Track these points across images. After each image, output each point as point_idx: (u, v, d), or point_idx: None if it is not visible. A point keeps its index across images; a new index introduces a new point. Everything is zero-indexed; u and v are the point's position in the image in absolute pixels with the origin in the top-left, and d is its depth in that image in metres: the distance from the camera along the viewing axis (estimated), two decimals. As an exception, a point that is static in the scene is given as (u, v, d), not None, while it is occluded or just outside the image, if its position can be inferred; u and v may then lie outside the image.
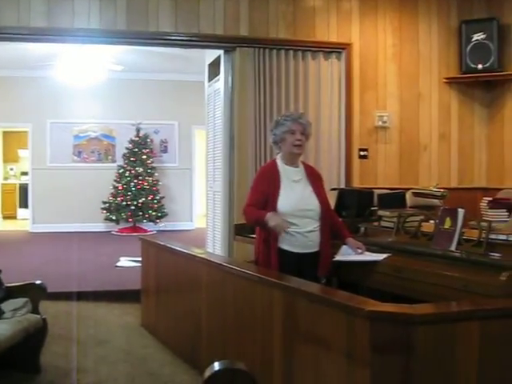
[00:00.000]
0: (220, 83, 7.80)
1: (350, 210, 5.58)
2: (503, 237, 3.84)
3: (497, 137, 7.97)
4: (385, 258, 4.28)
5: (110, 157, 14.09)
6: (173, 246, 5.44)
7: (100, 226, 13.56)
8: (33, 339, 4.64)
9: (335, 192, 5.94)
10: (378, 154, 7.86)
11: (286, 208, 4.31)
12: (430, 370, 2.79)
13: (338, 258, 4.48)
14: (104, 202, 13.27)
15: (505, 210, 7.13)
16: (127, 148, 13.56)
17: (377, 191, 6.18)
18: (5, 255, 9.48)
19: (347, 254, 4.51)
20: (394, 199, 5.76)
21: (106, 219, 13.34)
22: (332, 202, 5.33)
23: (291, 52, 7.50)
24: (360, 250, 4.48)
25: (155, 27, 7.18)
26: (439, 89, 7.99)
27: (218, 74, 7.87)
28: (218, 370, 2.10)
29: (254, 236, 4.76)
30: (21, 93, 13.29)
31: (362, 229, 5.11)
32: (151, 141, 13.94)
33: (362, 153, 7.79)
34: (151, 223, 13.41)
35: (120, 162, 13.67)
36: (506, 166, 7.78)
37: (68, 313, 6.36)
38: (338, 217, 4.94)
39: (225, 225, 7.65)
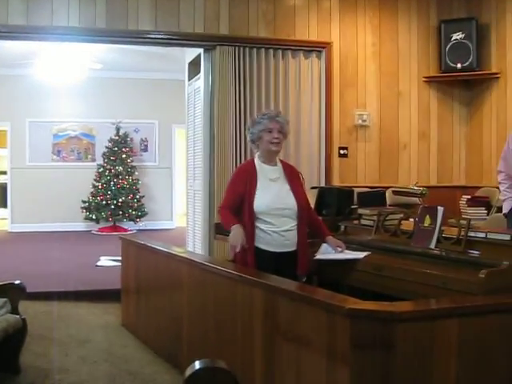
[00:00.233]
0: (200, 82, 7.79)
1: (330, 209, 5.59)
2: (482, 234, 3.87)
3: (476, 135, 8.04)
4: (365, 256, 4.29)
5: (89, 156, 14.02)
6: (153, 245, 5.42)
7: (80, 226, 13.48)
8: (12, 340, 4.60)
9: (315, 190, 5.96)
10: (358, 152, 7.89)
11: (262, 207, 4.30)
12: (410, 367, 2.80)
13: (318, 256, 4.49)
14: (84, 202, 13.20)
15: (483, 208, 7.23)
16: (107, 147, 13.49)
17: (357, 189, 6.21)
18: (-17, 255, 9.41)
19: (327, 252, 4.51)
20: (374, 197, 5.79)
21: (85, 218, 13.27)
22: (312, 201, 5.34)
23: (271, 51, 7.51)
24: (340, 249, 4.48)
25: (135, 25, 7.16)
26: (419, 88, 8.04)
27: (198, 72, 7.87)
28: (199, 369, 2.10)
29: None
30: (-1, 91, 13.21)
31: (342, 227, 5.13)
32: (131, 140, 13.89)
33: (341, 151, 7.82)
34: (131, 222, 13.36)
35: (100, 161, 13.60)
36: (485, 165, 7.84)
37: (48, 313, 6.33)
38: (318, 215, 4.95)
39: (205, 224, 7.64)
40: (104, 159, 13.45)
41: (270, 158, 4.47)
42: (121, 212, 13.15)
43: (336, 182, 7.68)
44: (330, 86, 7.72)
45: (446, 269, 3.69)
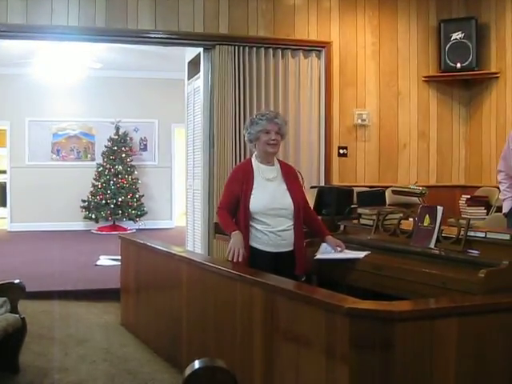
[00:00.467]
0: (200, 81, 7.79)
1: (329, 208, 5.59)
2: (481, 234, 3.87)
3: (475, 135, 8.04)
4: (365, 256, 4.29)
5: (89, 155, 14.02)
6: (152, 245, 5.42)
7: (79, 225, 13.47)
8: (12, 339, 4.59)
9: (315, 190, 5.96)
10: (358, 152, 7.89)
11: (258, 207, 4.30)
12: (409, 366, 2.80)
13: (318, 256, 4.49)
14: (83, 201, 13.20)
15: (483, 208, 7.23)
16: (106, 146, 13.49)
17: (356, 189, 6.21)
18: (-17, 254, 9.41)
19: (327, 252, 4.50)
20: (374, 197, 5.79)
21: (85, 218, 13.26)
22: (311, 200, 5.34)
23: (271, 50, 7.52)
24: (340, 248, 4.48)
25: (134, 25, 7.16)
26: (418, 87, 8.04)
27: (198, 71, 7.87)
28: (199, 368, 2.10)
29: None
30: (-2, 90, 13.20)
31: (342, 227, 5.12)
32: (131, 139, 13.89)
33: (341, 151, 7.82)
34: (131, 222, 13.36)
35: (99, 160, 13.59)
36: (485, 164, 7.84)
37: (47, 312, 6.32)
38: (318, 215, 4.95)
39: (204, 223, 7.64)
40: (103, 158, 13.44)
41: (267, 159, 4.46)
42: (120, 211, 13.14)
43: (335, 182, 7.69)
44: (329, 85, 7.72)
45: (445, 268, 3.69)
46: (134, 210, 13.26)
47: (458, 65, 7.81)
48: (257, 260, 4.28)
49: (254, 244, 4.33)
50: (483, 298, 3.21)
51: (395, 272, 3.94)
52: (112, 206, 13.05)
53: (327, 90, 7.71)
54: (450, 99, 8.15)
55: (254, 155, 4.53)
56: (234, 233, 4.26)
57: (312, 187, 6.23)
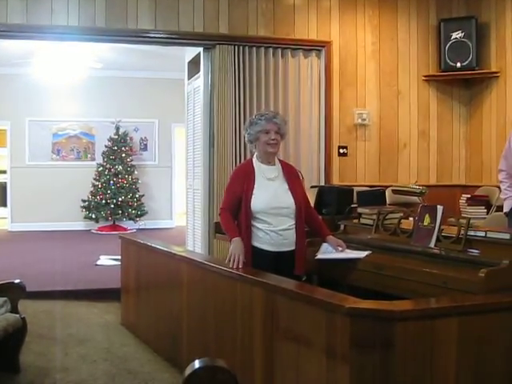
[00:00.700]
0: (200, 81, 7.79)
1: (329, 208, 5.59)
2: (482, 233, 3.86)
3: (475, 134, 8.04)
4: (365, 256, 4.28)
5: (89, 155, 14.01)
6: (153, 245, 5.42)
7: (79, 225, 13.47)
8: (12, 339, 4.60)
9: (315, 189, 5.96)
10: (358, 151, 7.89)
11: (260, 206, 4.30)
12: (410, 366, 2.80)
13: (318, 256, 4.48)
14: (83, 201, 13.20)
15: (483, 207, 7.23)
16: (106, 146, 13.48)
17: (356, 188, 6.22)
18: (-17, 254, 9.40)
19: (328, 252, 4.49)
20: (374, 196, 5.78)
21: (85, 218, 13.26)
22: (312, 200, 5.34)
23: (271, 50, 7.51)
24: (341, 248, 4.48)
25: (134, 25, 7.16)
26: (418, 87, 8.04)
27: (198, 71, 7.86)
28: (199, 368, 2.10)
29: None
30: (-2, 90, 13.20)
31: (342, 226, 5.12)
32: (131, 139, 13.89)
33: (341, 150, 7.82)
34: (131, 221, 13.36)
35: (99, 160, 13.58)
36: (485, 164, 7.84)
37: (47, 312, 6.32)
38: (318, 214, 4.94)
39: (205, 223, 7.64)
40: (104, 158, 13.43)
41: (267, 159, 4.46)
42: (120, 211, 13.14)
43: (336, 181, 7.68)
44: (329, 84, 7.72)
45: (445, 268, 3.69)
46: (134, 209, 13.26)
47: (458, 64, 7.81)
48: (258, 259, 4.28)
49: (256, 243, 4.32)
50: (483, 297, 3.21)
51: (396, 271, 3.94)
52: (112, 205, 13.04)
53: (327, 89, 7.71)
54: (450, 98, 8.15)
55: (254, 156, 4.53)
56: (234, 239, 4.25)
57: (312, 187, 6.24)
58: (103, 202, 13.07)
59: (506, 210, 5.30)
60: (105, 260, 8.88)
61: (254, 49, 7.45)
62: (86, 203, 13.20)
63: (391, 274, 3.96)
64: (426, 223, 4.13)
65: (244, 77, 7.41)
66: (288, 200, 4.38)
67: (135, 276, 5.92)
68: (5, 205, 14.41)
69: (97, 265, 8.73)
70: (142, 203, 13.45)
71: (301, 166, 7.23)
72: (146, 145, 14.27)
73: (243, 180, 4.39)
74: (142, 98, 13.81)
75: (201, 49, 7.65)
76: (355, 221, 5.12)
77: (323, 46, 7.70)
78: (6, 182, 14.20)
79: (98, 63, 11.60)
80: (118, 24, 7.12)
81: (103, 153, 13.48)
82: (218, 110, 7.35)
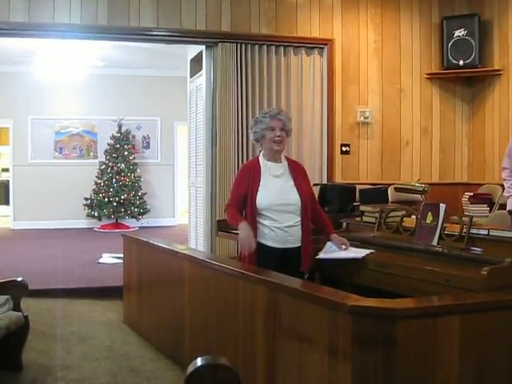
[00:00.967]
0: (202, 79, 7.78)
1: (332, 206, 5.60)
2: (484, 231, 3.86)
3: (478, 132, 8.02)
4: (367, 255, 4.28)
5: (91, 153, 14.01)
6: (155, 243, 5.42)
7: (82, 223, 13.48)
8: (14, 337, 4.60)
9: (317, 187, 5.96)
10: (360, 149, 7.88)
11: (265, 203, 4.32)
12: (412, 363, 2.80)
13: (320, 255, 4.47)
14: (86, 199, 13.21)
15: (486, 205, 7.22)
16: (109, 144, 13.47)
17: (359, 186, 6.22)
18: (-14, 252, 9.41)
19: (331, 250, 4.49)
20: (376, 194, 5.79)
21: (87, 216, 13.27)
22: (314, 198, 5.33)
23: (273, 48, 7.50)
24: (344, 246, 4.48)
25: (137, 23, 7.15)
26: (421, 84, 8.03)
27: (200, 69, 7.86)
28: (201, 366, 2.10)
29: (236, 232, 4.75)
30: (1, 89, 13.17)
31: (344, 224, 5.12)
32: (133, 137, 13.89)
33: (344, 148, 7.82)
34: (133, 219, 13.37)
35: (102, 158, 13.58)
36: (487, 162, 7.83)
37: (50, 310, 6.33)
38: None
39: (207, 221, 7.64)
40: (106, 156, 13.43)
41: (274, 156, 4.48)
42: (123, 209, 13.14)
43: (338, 179, 7.68)
44: (332, 82, 7.71)
45: (448, 266, 3.69)
46: (137, 207, 13.26)
47: (461, 62, 7.79)
48: (264, 256, 4.29)
49: (262, 240, 4.34)
50: (486, 295, 3.21)
51: (398, 269, 3.94)
52: (115, 203, 13.05)
53: (330, 87, 7.70)
54: (453, 96, 8.14)
55: (261, 154, 4.55)
56: (240, 224, 4.27)
57: (315, 185, 6.23)
58: (106, 200, 13.07)
59: (509, 207, 5.30)
60: (107, 258, 8.89)
61: (257, 47, 7.44)
62: (89, 201, 13.21)
63: (393, 272, 3.97)
64: (428, 221, 4.13)
65: (246, 75, 7.40)
66: (294, 197, 4.39)
67: (137, 274, 5.92)
68: (7, 203, 14.44)
69: (99, 263, 8.73)
70: (145, 201, 13.45)
71: (303, 163, 7.11)
72: (148, 143, 14.27)
73: (249, 177, 4.41)
74: (145, 96, 13.81)
75: (203, 47, 7.64)
76: (358, 219, 5.12)
77: (325, 44, 7.69)
78: (8, 180, 14.23)
79: (100, 61, 11.60)
80: (120, 22, 7.11)
81: (106, 151, 13.48)
82: (220, 108, 7.35)
